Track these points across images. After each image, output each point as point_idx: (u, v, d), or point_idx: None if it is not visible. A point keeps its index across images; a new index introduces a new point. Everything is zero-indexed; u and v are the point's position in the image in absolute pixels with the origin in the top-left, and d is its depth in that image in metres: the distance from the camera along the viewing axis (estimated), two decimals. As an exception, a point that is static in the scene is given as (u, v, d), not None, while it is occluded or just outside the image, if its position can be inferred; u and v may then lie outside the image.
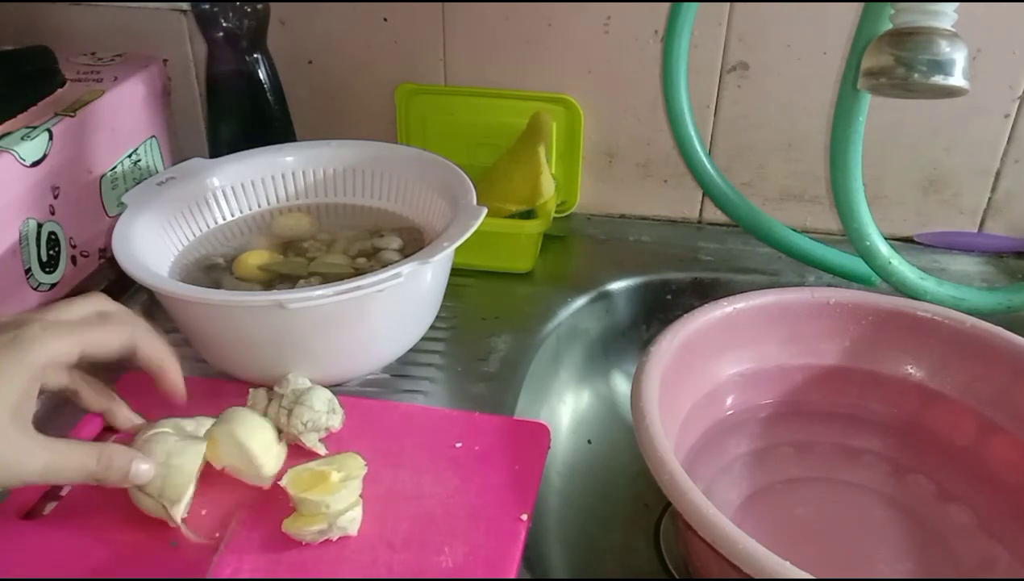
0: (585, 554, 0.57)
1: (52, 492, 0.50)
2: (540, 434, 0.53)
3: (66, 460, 0.43)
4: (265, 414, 0.52)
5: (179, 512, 0.46)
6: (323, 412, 0.52)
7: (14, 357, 0.41)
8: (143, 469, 0.45)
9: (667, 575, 0.56)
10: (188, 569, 0.44)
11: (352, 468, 0.47)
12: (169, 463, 0.46)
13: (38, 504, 0.49)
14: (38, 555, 0.46)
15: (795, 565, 0.38)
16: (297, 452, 0.51)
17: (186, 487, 0.46)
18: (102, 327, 0.45)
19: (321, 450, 0.52)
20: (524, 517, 0.47)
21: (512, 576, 0.44)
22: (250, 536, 0.46)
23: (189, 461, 0.46)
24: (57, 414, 0.52)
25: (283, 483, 0.46)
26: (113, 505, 0.48)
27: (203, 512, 0.48)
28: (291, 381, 0.53)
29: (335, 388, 0.55)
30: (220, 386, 0.57)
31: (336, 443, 0.52)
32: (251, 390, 0.54)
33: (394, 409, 0.55)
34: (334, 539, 0.45)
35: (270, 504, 0.48)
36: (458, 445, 0.52)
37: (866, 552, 0.53)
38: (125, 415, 0.49)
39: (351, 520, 0.45)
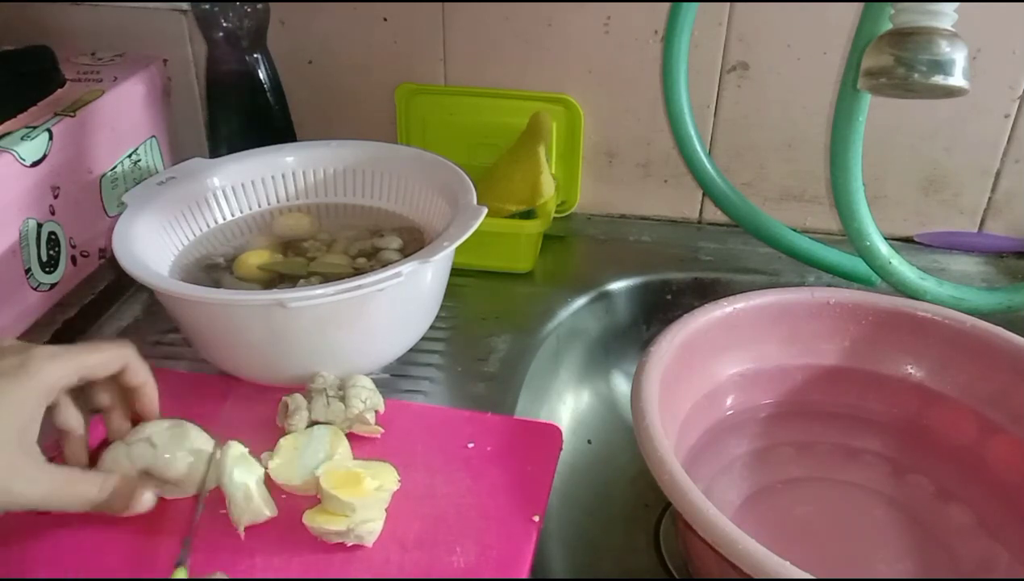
0: (585, 554, 0.57)
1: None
2: (552, 435, 0.53)
3: (68, 489, 0.44)
4: (310, 412, 0.52)
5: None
6: (373, 390, 0.53)
7: (22, 382, 0.42)
8: (147, 498, 0.46)
9: (667, 575, 0.56)
10: (200, 566, 0.44)
11: (386, 480, 0.47)
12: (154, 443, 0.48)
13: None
14: (53, 552, 0.46)
15: (795, 565, 0.38)
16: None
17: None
18: (99, 351, 0.47)
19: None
20: (536, 519, 0.47)
21: (524, 577, 0.44)
22: (268, 529, 0.46)
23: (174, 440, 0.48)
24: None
25: (318, 473, 0.47)
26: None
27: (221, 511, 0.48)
28: (324, 377, 0.53)
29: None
30: (220, 385, 0.57)
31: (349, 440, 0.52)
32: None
33: (406, 408, 0.55)
34: (348, 544, 0.45)
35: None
36: (470, 445, 0.52)
37: (866, 552, 0.53)
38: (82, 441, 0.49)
39: (369, 532, 0.45)
